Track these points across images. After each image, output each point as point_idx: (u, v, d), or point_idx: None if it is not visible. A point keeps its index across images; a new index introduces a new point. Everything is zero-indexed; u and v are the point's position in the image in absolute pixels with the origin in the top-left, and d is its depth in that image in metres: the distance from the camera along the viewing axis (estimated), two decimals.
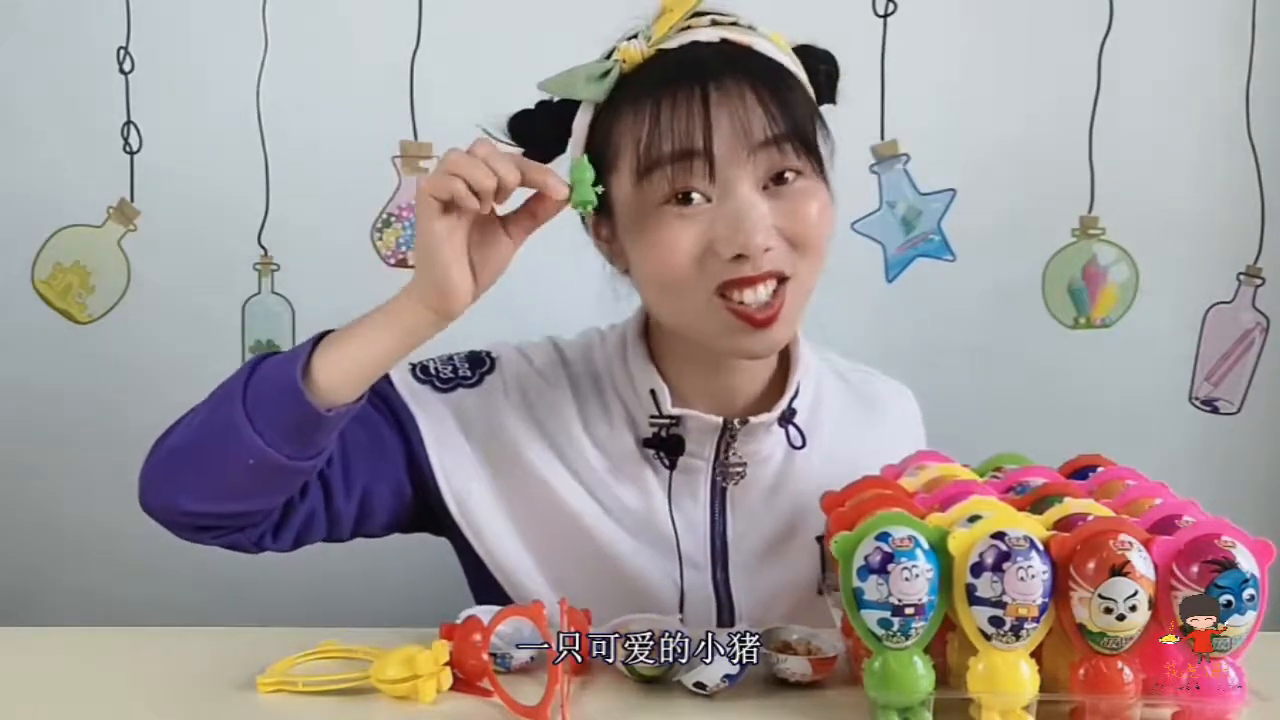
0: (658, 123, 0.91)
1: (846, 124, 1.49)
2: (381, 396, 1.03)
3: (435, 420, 1.04)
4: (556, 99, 0.99)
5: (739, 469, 1.04)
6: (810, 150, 0.94)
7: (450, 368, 1.08)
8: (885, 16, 1.50)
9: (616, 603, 0.95)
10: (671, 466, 1.03)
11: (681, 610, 1.02)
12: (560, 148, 1.00)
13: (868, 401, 1.13)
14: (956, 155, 1.53)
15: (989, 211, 1.53)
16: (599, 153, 0.95)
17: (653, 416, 1.03)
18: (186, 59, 1.53)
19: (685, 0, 0.94)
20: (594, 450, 1.04)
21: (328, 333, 0.93)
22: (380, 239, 1.55)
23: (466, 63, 1.51)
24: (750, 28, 0.98)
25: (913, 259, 1.55)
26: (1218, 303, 1.55)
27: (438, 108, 1.52)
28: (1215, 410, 1.57)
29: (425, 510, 1.06)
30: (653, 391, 1.03)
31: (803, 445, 1.05)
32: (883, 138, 1.52)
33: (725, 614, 1.04)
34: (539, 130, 1.00)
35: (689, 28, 0.95)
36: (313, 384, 0.89)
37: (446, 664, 0.80)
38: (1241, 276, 1.55)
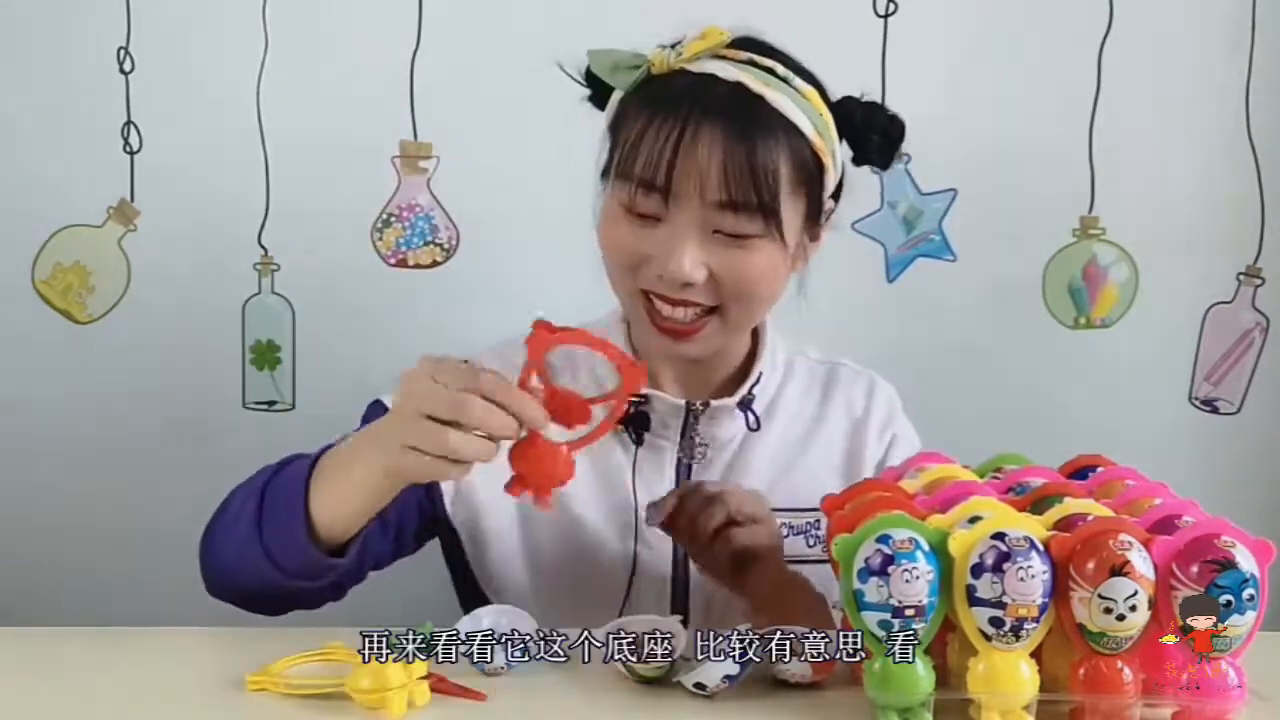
0: (639, 144, 0.99)
1: None
2: None
3: None
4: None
5: (702, 448, 1.11)
6: (768, 218, 0.99)
7: None
8: (885, 16, 1.50)
9: (577, 570, 1.09)
10: (638, 442, 1.11)
11: (632, 579, 1.09)
12: (604, 102, 1.08)
13: (825, 390, 1.19)
14: (956, 155, 1.53)
15: (989, 211, 1.53)
16: (614, 129, 1.05)
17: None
18: (186, 59, 1.52)
19: (719, 34, 1.01)
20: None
21: (325, 450, 0.96)
22: (380, 239, 1.55)
23: (466, 63, 1.51)
24: (785, 78, 1.02)
25: (913, 259, 1.55)
26: (1218, 303, 1.55)
27: (438, 108, 1.52)
28: (1215, 410, 1.57)
29: (435, 533, 1.15)
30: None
31: (758, 428, 1.13)
32: None
33: (680, 587, 1.10)
34: (602, 84, 1.07)
35: (723, 56, 1.02)
36: (319, 532, 0.93)
37: (423, 678, 0.80)
38: (1241, 276, 1.55)
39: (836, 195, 1.10)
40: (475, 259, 1.55)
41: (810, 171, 1.03)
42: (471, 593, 1.16)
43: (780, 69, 1.02)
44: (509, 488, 0.87)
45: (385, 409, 1.08)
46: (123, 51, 1.52)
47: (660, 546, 1.10)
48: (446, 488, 1.12)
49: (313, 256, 1.55)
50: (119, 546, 1.58)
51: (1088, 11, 1.50)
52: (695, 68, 1.01)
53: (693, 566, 1.08)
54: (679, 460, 1.12)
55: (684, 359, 1.09)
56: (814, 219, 1.06)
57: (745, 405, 1.12)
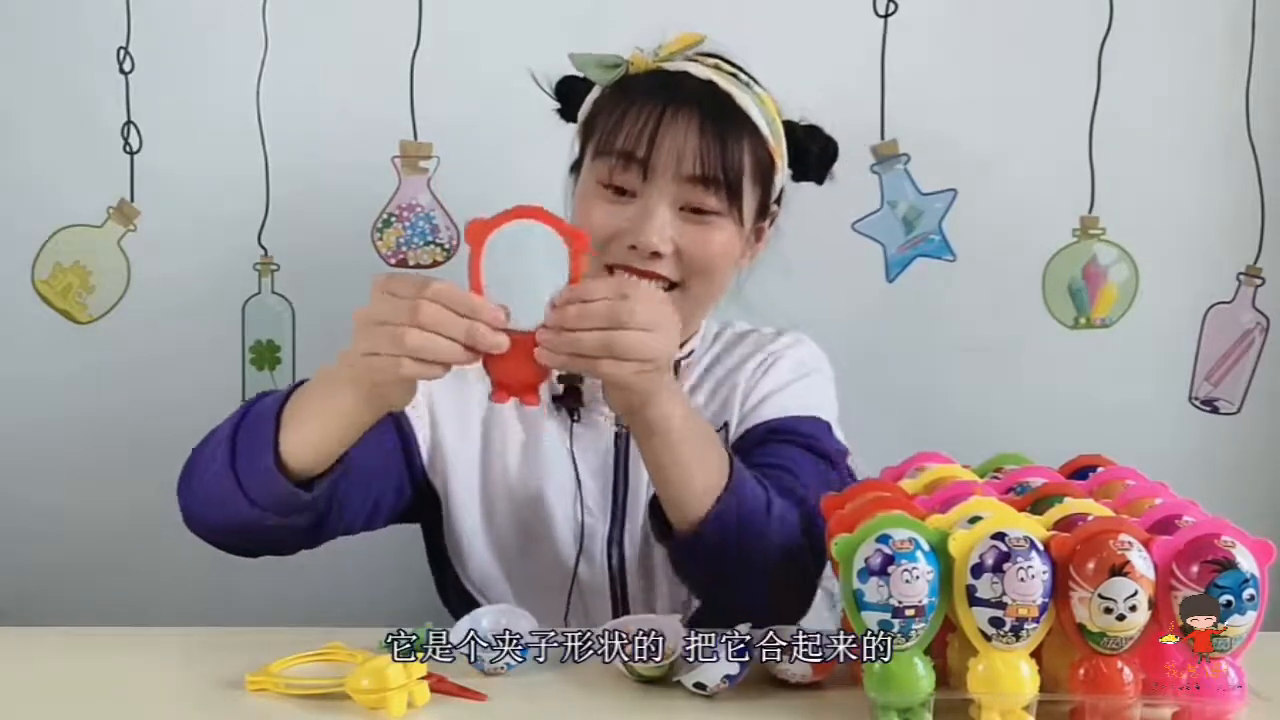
0: (621, 123, 1.09)
1: (847, 124, 1.50)
2: None
3: (416, 400, 1.12)
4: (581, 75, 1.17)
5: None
6: (732, 195, 1.09)
7: None
8: (885, 16, 1.50)
9: (532, 545, 1.15)
10: (575, 419, 1.17)
11: (580, 548, 1.15)
12: (572, 114, 1.20)
13: (728, 348, 1.24)
14: (956, 155, 1.52)
15: (989, 211, 1.53)
16: (588, 125, 1.15)
17: (559, 375, 1.16)
18: (186, 59, 1.52)
19: (692, 37, 1.14)
20: (517, 409, 1.17)
21: (299, 384, 0.97)
22: (380, 239, 1.55)
23: (466, 63, 1.51)
24: (748, 84, 1.13)
25: (913, 259, 1.55)
26: (1218, 303, 1.55)
27: (438, 108, 1.52)
28: (1215, 410, 1.57)
29: (417, 500, 1.17)
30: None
31: None
32: (883, 138, 1.52)
33: (616, 559, 1.16)
34: (573, 95, 1.18)
35: (696, 59, 1.13)
36: (287, 463, 0.94)
37: (423, 678, 0.80)
38: (1241, 276, 1.55)
39: (779, 200, 1.20)
40: None
41: (765, 169, 1.14)
42: (444, 568, 1.21)
43: (743, 75, 1.14)
44: (493, 396, 0.89)
45: None
46: (123, 51, 1.52)
47: (601, 525, 1.16)
48: (423, 443, 1.15)
49: (313, 256, 1.55)
50: (119, 546, 1.58)
51: (1088, 11, 1.50)
52: (670, 67, 1.12)
53: (627, 538, 1.15)
54: (616, 434, 1.17)
55: None
56: (762, 215, 1.17)
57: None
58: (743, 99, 1.12)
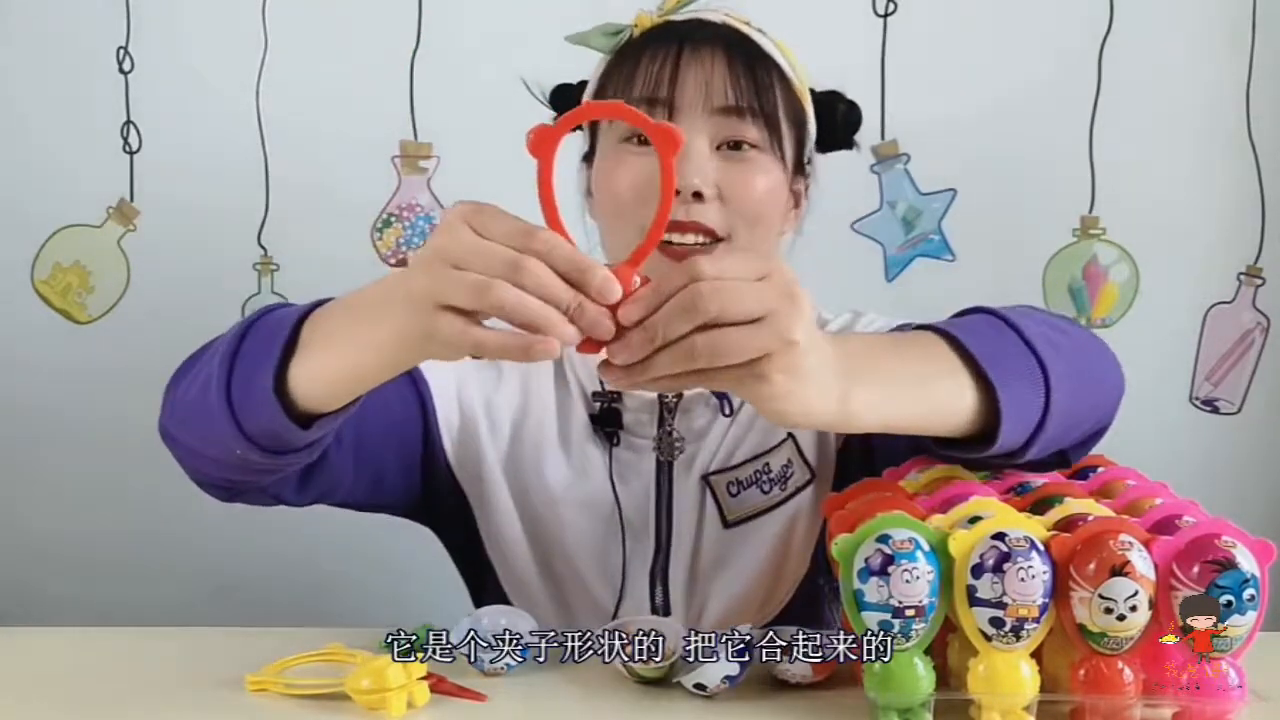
0: (635, 71, 0.99)
1: None
2: None
3: (442, 379, 1.07)
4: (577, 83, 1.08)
5: (679, 443, 1.06)
6: (770, 127, 0.99)
7: None
8: (885, 16, 1.50)
9: (568, 569, 1.06)
10: (614, 442, 1.07)
11: (623, 583, 1.06)
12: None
13: None
14: (956, 155, 1.53)
15: (988, 211, 1.53)
16: (598, 96, 1.04)
17: (595, 393, 1.07)
18: (186, 59, 1.53)
19: None
20: (556, 424, 1.08)
21: (320, 303, 0.82)
22: (380, 239, 1.55)
23: (466, 63, 1.51)
24: (760, 30, 1.05)
25: (913, 259, 1.55)
26: (1218, 303, 1.55)
27: (438, 108, 1.52)
28: (1215, 410, 1.57)
29: (431, 488, 1.08)
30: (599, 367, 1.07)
31: (732, 412, 1.07)
32: (883, 138, 1.52)
33: (661, 596, 1.06)
34: (570, 103, 1.08)
35: (705, 11, 1.04)
36: (292, 391, 0.79)
37: (423, 678, 0.80)
38: (1241, 276, 1.55)
39: (810, 161, 1.09)
40: None
41: (798, 112, 1.04)
42: (478, 569, 1.12)
43: (754, 22, 1.05)
44: (581, 347, 0.69)
45: None
46: (122, 51, 1.52)
47: (645, 550, 1.07)
48: (446, 430, 1.07)
49: (313, 256, 1.55)
50: (119, 546, 1.58)
51: (1088, 11, 1.50)
52: (678, 18, 1.03)
53: (673, 569, 1.06)
54: (658, 461, 1.07)
55: None
56: (799, 169, 1.06)
57: (720, 394, 1.07)
58: (762, 41, 1.03)
